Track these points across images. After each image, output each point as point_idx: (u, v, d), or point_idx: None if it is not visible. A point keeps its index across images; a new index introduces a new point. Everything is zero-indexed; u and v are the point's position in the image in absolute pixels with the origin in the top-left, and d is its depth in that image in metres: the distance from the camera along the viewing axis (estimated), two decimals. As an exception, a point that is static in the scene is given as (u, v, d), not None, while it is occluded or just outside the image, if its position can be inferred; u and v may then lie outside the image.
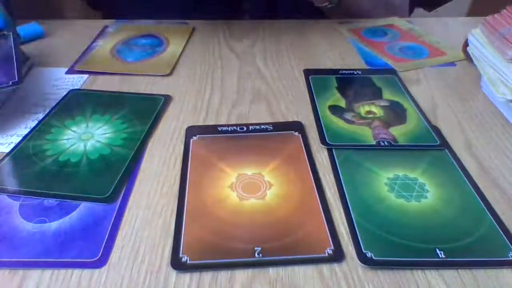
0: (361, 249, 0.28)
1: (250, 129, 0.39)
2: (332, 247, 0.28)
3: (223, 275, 0.27)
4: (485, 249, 0.28)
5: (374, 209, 0.31)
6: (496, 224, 0.30)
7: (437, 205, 0.31)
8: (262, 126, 0.40)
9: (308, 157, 0.36)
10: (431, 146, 0.37)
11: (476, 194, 0.32)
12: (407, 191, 0.33)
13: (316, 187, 0.33)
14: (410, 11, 0.70)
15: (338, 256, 0.28)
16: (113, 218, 0.31)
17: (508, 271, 0.27)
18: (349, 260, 0.28)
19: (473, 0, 1.37)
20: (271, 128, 0.39)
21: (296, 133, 0.39)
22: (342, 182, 0.33)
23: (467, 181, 0.34)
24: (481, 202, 0.32)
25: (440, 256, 0.28)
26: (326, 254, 0.28)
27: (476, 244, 0.28)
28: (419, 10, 0.72)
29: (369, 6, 0.65)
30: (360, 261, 0.27)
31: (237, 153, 0.36)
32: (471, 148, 0.37)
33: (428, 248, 0.28)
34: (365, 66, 0.51)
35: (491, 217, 0.30)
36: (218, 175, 0.34)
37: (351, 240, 0.29)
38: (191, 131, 0.39)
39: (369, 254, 0.28)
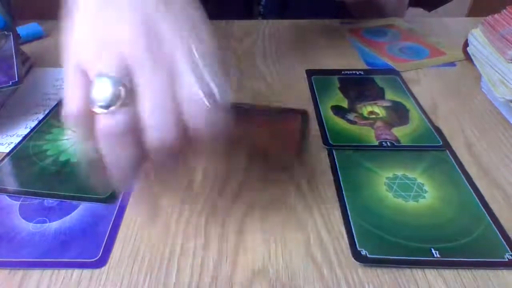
0: (356, 247, 0.28)
1: None
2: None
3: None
4: (482, 249, 0.28)
5: (371, 208, 0.31)
6: (493, 225, 0.30)
7: (435, 205, 0.31)
8: None
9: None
10: (434, 147, 0.37)
11: (474, 195, 0.32)
12: (406, 191, 0.33)
13: None
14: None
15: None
16: (113, 218, 0.31)
17: (509, 271, 0.27)
18: (348, 260, 0.28)
19: (473, 0, 1.38)
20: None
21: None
22: (341, 180, 0.33)
23: (466, 182, 0.34)
24: (479, 203, 0.32)
25: (435, 255, 0.28)
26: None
27: (473, 244, 0.28)
28: (419, 10, 0.72)
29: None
30: (354, 258, 0.27)
31: None
32: (471, 148, 0.37)
33: (423, 247, 0.28)
34: (365, 67, 0.51)
35: (488, 218, 0.30)
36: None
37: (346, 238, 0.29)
38: None
39: (363, 252, 0.28)
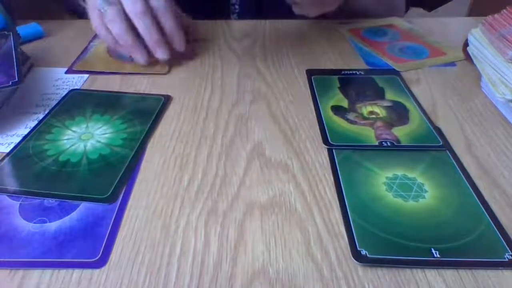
0: (356, 247, 0.28)
1: None
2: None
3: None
4: (482, 249, 0.28)
5: (371, 207, 0.31)
6: (493, 225, 0.30)
7: (435, 205, 0.31)
8: None
9: None
10: (434, 147, 0.37)
11: (474, 195, 0.32)
12: (405, 190, 0.33)
13: None
14: (406, 10, 0.70)
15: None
16: (113, 218, 0.31)
17: (509, 271, 0.27)
18: (348, 260, 0.28)
19: (473, 0, 1.38)
20: None
21: None
22: (341, 180, 0.33)
23: (466, 182, 0.34)
24: (479, 203, 0.32)
25: (435, 255, 0.28)
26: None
27: (473, 244, 0.28)
28: (419, 10, 0.72)
29: (372, 2, 0.65)
30: (354, 258, 0.27)
31: None
32: (471, 148, 0.37)
33: (423, 247, 0.28)
34: (365, 66, 0.51)
35: (488, 218, 0.30)
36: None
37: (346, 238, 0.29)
38: None
39: (363, 252, 0.28)
